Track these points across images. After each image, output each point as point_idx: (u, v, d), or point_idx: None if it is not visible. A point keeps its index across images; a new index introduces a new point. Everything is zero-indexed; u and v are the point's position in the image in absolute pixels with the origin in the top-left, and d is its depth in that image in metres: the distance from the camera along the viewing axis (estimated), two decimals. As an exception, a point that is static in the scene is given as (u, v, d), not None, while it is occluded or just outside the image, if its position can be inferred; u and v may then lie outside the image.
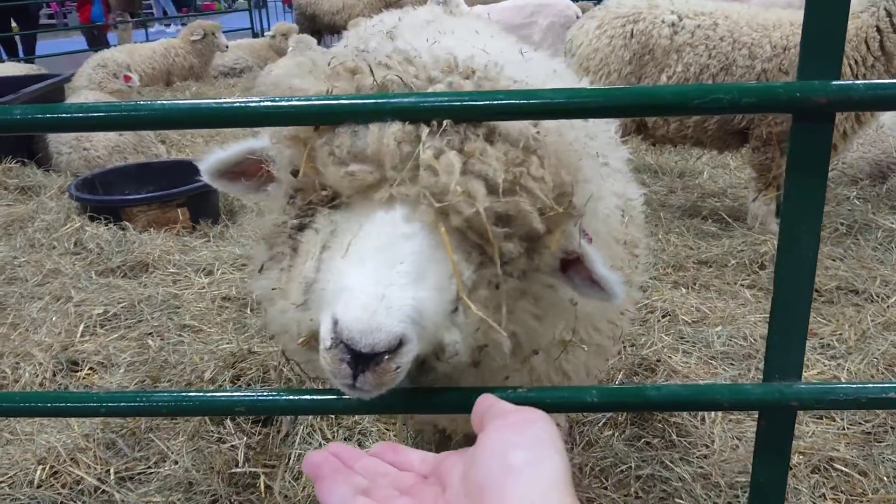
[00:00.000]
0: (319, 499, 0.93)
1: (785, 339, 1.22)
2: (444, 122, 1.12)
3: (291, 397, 1.28)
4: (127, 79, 6.91)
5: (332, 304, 1.10)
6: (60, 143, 6.74)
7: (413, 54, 1.26)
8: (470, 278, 1.16)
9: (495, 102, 1.10)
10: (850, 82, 1.12)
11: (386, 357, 1.07)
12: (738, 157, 6.63)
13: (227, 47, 11.27)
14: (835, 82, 1.12)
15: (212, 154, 1.33)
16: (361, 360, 1.07)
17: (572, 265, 1.26)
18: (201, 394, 1.28)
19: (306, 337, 1.21)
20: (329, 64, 1.25)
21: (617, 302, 1.22)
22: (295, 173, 1.23)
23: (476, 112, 1.11)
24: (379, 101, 1.12)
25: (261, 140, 1.32)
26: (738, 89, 1.06)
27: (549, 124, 1.17)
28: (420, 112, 1.12)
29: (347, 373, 1.09)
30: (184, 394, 1.29)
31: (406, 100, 1.13)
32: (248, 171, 1.34)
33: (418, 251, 1.11)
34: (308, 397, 1.27)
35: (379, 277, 1.08)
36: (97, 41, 14.43)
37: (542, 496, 0.75)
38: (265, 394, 1.29)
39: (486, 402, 0.94)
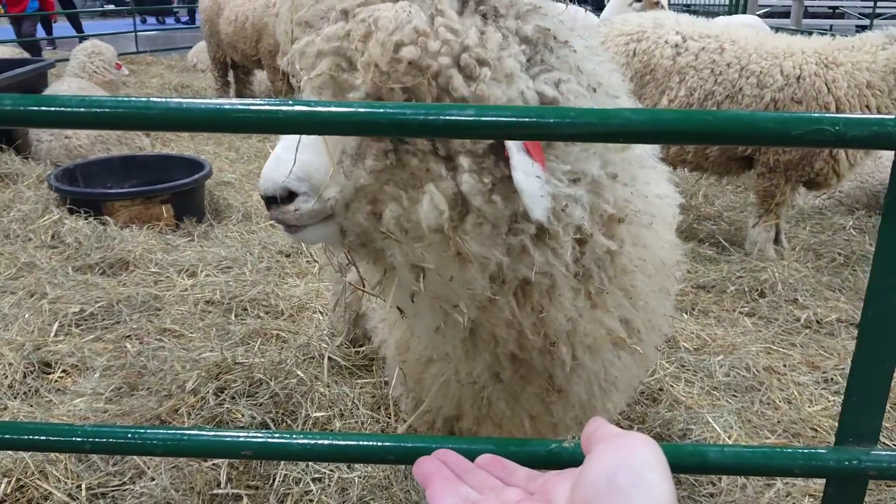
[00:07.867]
0: None
1: (864, 400, 1.09)
2: None
3: (306, 441, 1.12)
4: (118, 66, 6.70)
5: None
6: (41, 130, 6.51)
7: None
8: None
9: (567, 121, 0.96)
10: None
11: (284, 201, 1.29)
12: (735, 180, 6.55)
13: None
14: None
15: None
16: (273, 202, 1.30)
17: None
18: (202, 432, 1.13)
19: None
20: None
21: (535, 217, 1.18)
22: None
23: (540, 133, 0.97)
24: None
25: None
26: (844, 121, 0.93)
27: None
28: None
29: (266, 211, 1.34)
30: (182, 433, 1.13)
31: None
32: None
33: None
34: (327, 442, 1.11)
35: (285, 145, 1.29)
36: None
37: None
38: (277, 435, 1.13)
39: (594, 424, 0.91)
